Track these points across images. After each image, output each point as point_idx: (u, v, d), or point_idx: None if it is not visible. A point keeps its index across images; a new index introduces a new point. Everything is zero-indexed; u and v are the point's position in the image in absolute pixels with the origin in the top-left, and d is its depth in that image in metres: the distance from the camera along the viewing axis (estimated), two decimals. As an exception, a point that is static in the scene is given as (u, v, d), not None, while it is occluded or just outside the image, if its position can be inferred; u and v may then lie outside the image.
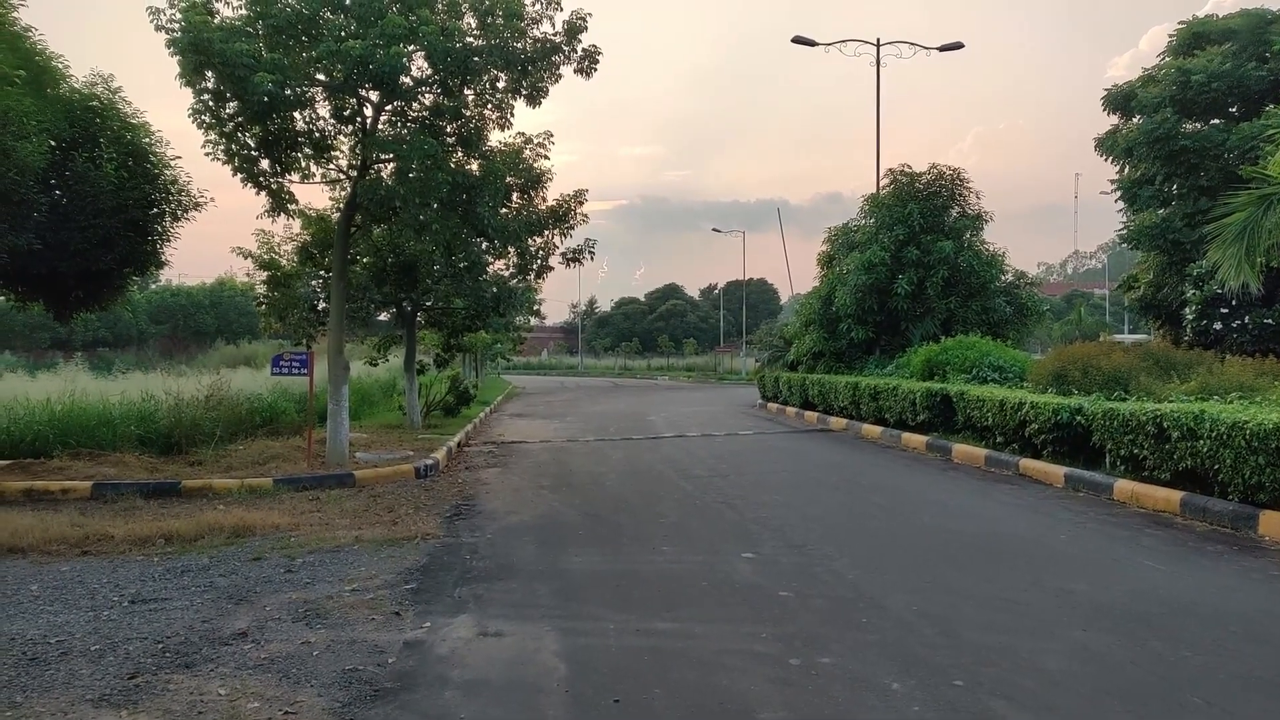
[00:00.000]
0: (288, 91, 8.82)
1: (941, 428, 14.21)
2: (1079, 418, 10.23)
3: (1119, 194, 25.08)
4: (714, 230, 54.00)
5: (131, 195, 10.92)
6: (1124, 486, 9.15)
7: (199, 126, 9.66)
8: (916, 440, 14.38)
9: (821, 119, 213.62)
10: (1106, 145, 25.29)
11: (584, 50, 11.04)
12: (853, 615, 5.51)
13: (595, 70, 11.08)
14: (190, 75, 8.93)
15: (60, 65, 11.29)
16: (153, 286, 58.70)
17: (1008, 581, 6.25)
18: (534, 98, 11.43)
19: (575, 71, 11.06)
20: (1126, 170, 24.94)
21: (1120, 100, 24.85)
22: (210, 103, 9.29)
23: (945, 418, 14.10)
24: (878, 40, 22.10)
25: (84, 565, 7.04)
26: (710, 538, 7.87)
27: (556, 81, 11.08)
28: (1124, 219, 25.37)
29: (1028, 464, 11.01)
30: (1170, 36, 25.10)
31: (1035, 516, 8.63)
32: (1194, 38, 24.21)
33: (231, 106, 9.42)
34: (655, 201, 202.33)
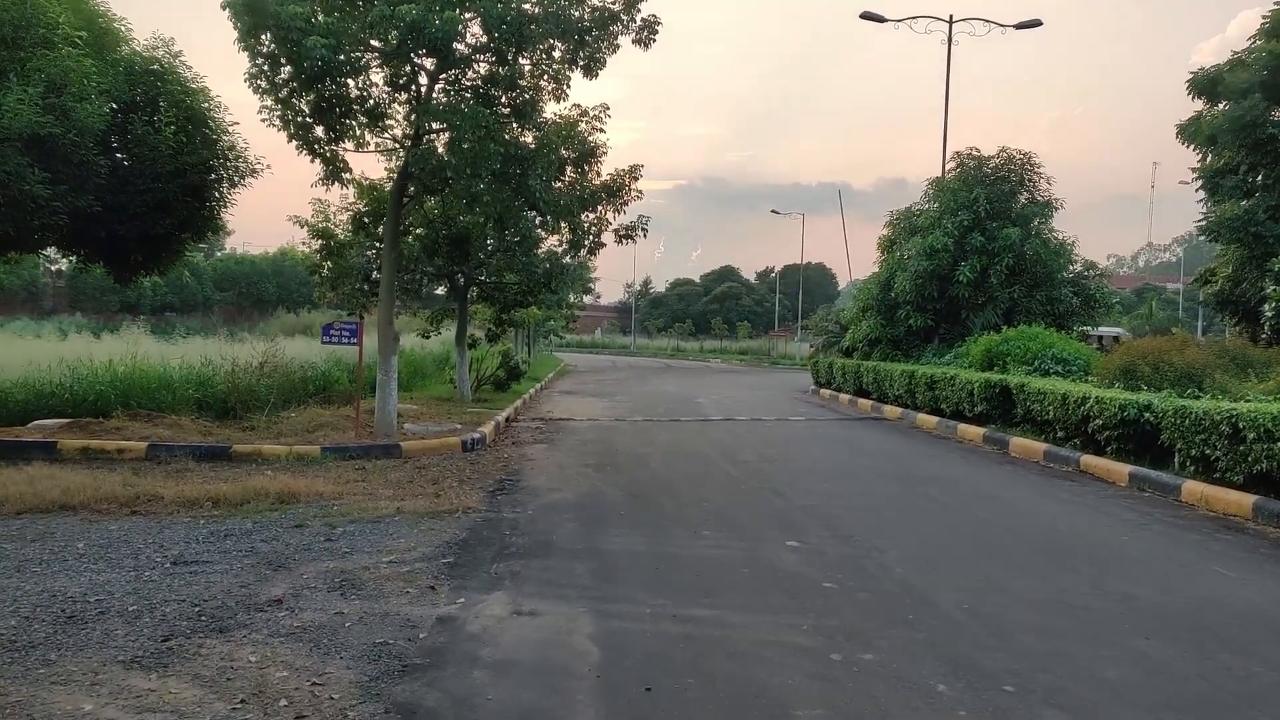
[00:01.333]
0: (341, 57, 8.76)
1: (1000, 420, 13.74)
2: (1147, 415, 9.74)
3: (1199, 184, 23.95)
4: (773, 212, 53.17)
5: (189, 160, 11.03)
6: (1193, 488, 8.68)
7: (255, 91, 9.68)
8: (973, 432, 13.93)
9: (887, 101, 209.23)
10: (1189, 132, 24.11)
11: (643, 20, 10.78)
12: (899, 611, 5.28)
13: (654, 41, 10.83)
14: (246, 38, 8.93)
15: (122, 28, 11.46)
16: (218, 254, 60.24)
17: (1066, 583, 5.94)
18: (591, 69, 11.21)
19: (634, 42, 10.82)
20: (1209, 159, 23.79)
21: (1206, 85, 23.61)
22: (265, 67, 9.29)
23: (1004, 410, 13.63)
24: (950, 16, 21.34)
25: (131, 525, 7.15)
26: (754, 524, 7.68)
27: (614, 52, 10.85)
28: (1204, 210, 24.24)
29: (1089, 460, 10.55)
30: (1264, 19, 23.77)
31: (1097, 516, 8.24)
32: (1290, 20, 22.85)
33: (286, 71, 9.41)
34: (715, 182, 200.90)
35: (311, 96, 9.93)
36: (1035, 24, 21.66)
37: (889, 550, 6.76)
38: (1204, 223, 24.19)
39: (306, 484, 8.50)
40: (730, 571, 6.12)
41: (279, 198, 65.37)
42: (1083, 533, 7.57)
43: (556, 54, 10.90)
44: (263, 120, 10.40)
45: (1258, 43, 23.19)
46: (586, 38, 10.56)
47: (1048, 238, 19.60)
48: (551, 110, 11.91)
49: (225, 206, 12.18)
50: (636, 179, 13.21)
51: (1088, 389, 11.18)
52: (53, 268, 48.36)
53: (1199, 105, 24.16)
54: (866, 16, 21.45)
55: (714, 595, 5.55)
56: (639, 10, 10.74)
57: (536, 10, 9.96)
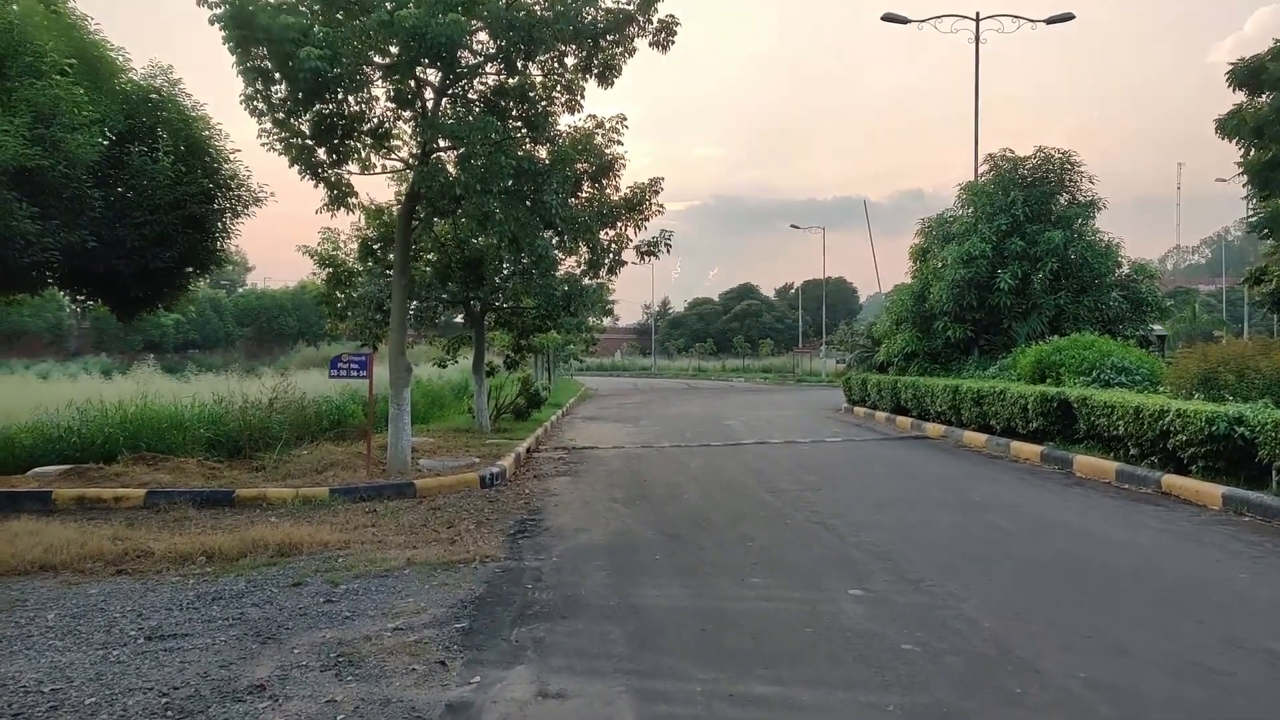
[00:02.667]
0: (337, 70, 8.09)
1: (1058, 436, 12.75)
2: (1240, 429, 8.76)
3: (1246, 178, 22.88)
4: (793, 227, 52.49)
5: (189, 190, 10.44)
6: (1303, 511, 7.69)
7: (251, 114, 9.04)
8: (1029, 450, 12.95)
9: (900, 114, 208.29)
10: (1229, 126, 23.09)
11: (660, 21, 10.07)
12: (1001, 681, 4.39)
13: (673, 43, 10.11)
14: (238, 53, 8.30)
15: (119, 57, 10.92)
16: (240, 290, 60.37)
17: (1193, 638, 5.01)
18: (606, 77, 10.53)
19: (651, 44, 10.11)
20: (1253, 152, 22.74)
21: (1248, 75, 22.60)
22: (259, 85, 8.65)
23: (1063, 426, 12.64)
24: (977, 14, 20.51)
25: (114, 588, 6.41)
26: (807, 567, 6.80)
27: (631, 56, 10.15)
28: (1252, 205, 23.17)
29: (1172, 481, 9.56)
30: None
31: (1200, 548, 7.27)
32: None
33: (282, 89, 8.77)
34: (729, 201, 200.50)
35: (310, 116, 9.29)
36: (1068, 17, 20.79)
37: (968, 598, 5.86)
38: (1254, 218, 23.12)
39: (310, 532, 7.73)
40: (789, 631, 5.25)
41: (300, 232, 65.53)
42: (1191, 571, 6.61)
43: (569, 60, 10.22)
44: (262, 144, 9.77)
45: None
46: (601, 41, 9.87)
47: (1092, 240, 18.63)
48: (566, 123, 11.24)
49: (229, 237, 11.59)
50: (658, 192, 12.50)
51: (1164, 401, 10.20)
52: (75, 309, 48.54)
53: (1230, 101, 23.12)
54: (889, 18, 20.71)
55: (775, 665, 4.69)
56: (655, 10, 10.03)
57: (546, 12, 9.26)
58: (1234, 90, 23.44)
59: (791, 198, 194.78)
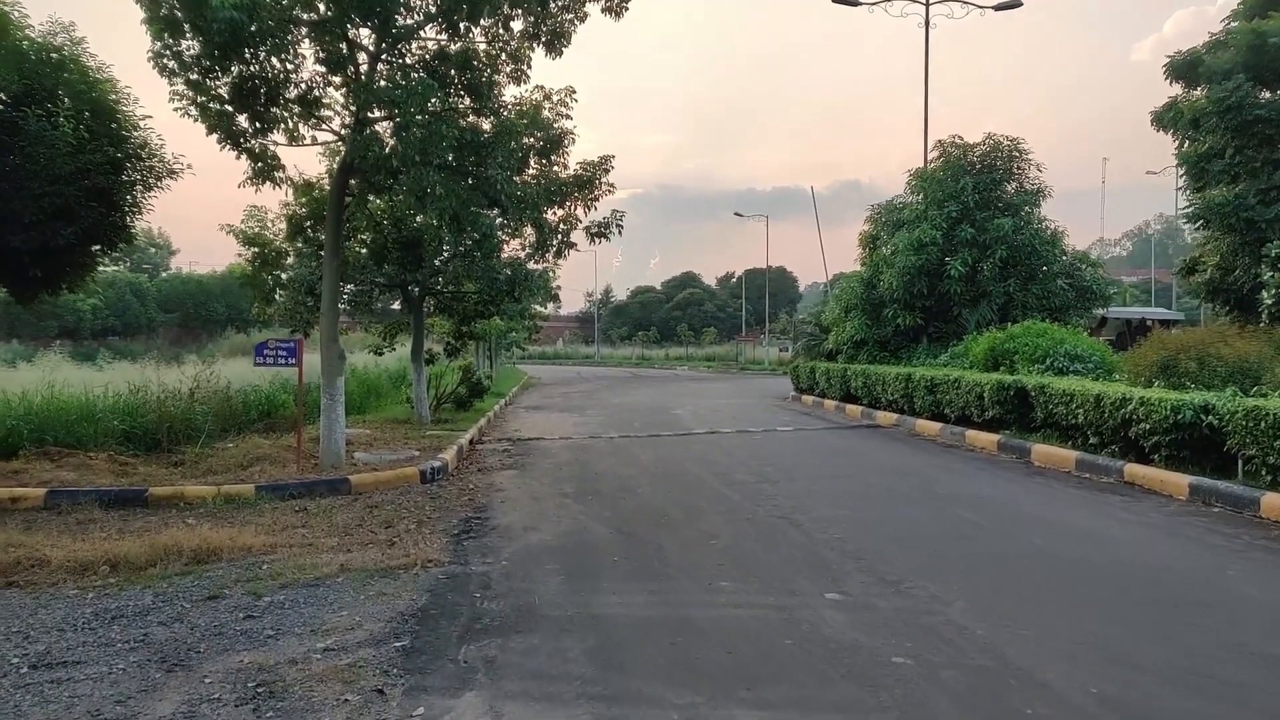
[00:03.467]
0: (257, 25, 7.27)
1: (1015, 425, 12.59)
2: (1208, 417, 8.60)
3: (1183, 170, 23.28)
4: (736, 215, 52.26)
5: (93, 159, 9.45)
6: (1274, 501, 7.53)
7: (161, 73, 8.15)
8: (985, 439, 12.77)
9: (840, 106, 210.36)
10: (1166, 119, 23.46)
11: (614, -15, 9.46)
12: (1007, 699, 3.97)
13: (626, 8, 9.51)
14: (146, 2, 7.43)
15: (15, 13, 9.84)
16: (163, 275, 57.74)
17: (1194, 642, 4.68)
18: (554, 45, 9.90)
19: (604, 10, 9.50)
20: (1187, 145, 23.15)
21: (1185, 68, 22.98)
22: (169, 39, 7.77)
23: (1020, 414, 12.48)
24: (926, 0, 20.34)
25: (1, 604, 5.61)
26: (777, 567, 6.35)
27: (582, 21, 9.52)
28: (1187, 197, 23.58)
29: (1136, 470, 9.39)
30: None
31: (1179, 542, 7.03)
32: (1268, -1, 22.34)
33: (194, 45, 7.90)
34: (672, 190, 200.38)
35: (230, 78, 8.43)
36: (1016, 4, 20.77)
37: (953, 601, 5.47)
38: (1189, 209, 23.55)
39: (232, 535, 6.99)
40: (768, 644, 4.77)
41: (231, 214, 62.93)
42: (1174, 566, 6.35)
43: (516, 25, 9.54)
44: (175, 109, 8.88)
45: (1234, 24, 22.60)
46: (550, 3, 9.21)
47: (1039, 228, 18.66)
48: (512, 94, 10.57)
49: (140, 213, 10.58)
50: (608, 171, 11.89)
51: (1125, 389, 10.04)
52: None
53: (1157, 95, 23.56)
54: (838, 0, 20.39)
55: (757, 684, 4.20)
56: (610, -28, 9.42)
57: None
58: (1171, 83, 23.83)
59: (733, 187, 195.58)
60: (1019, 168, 18.91)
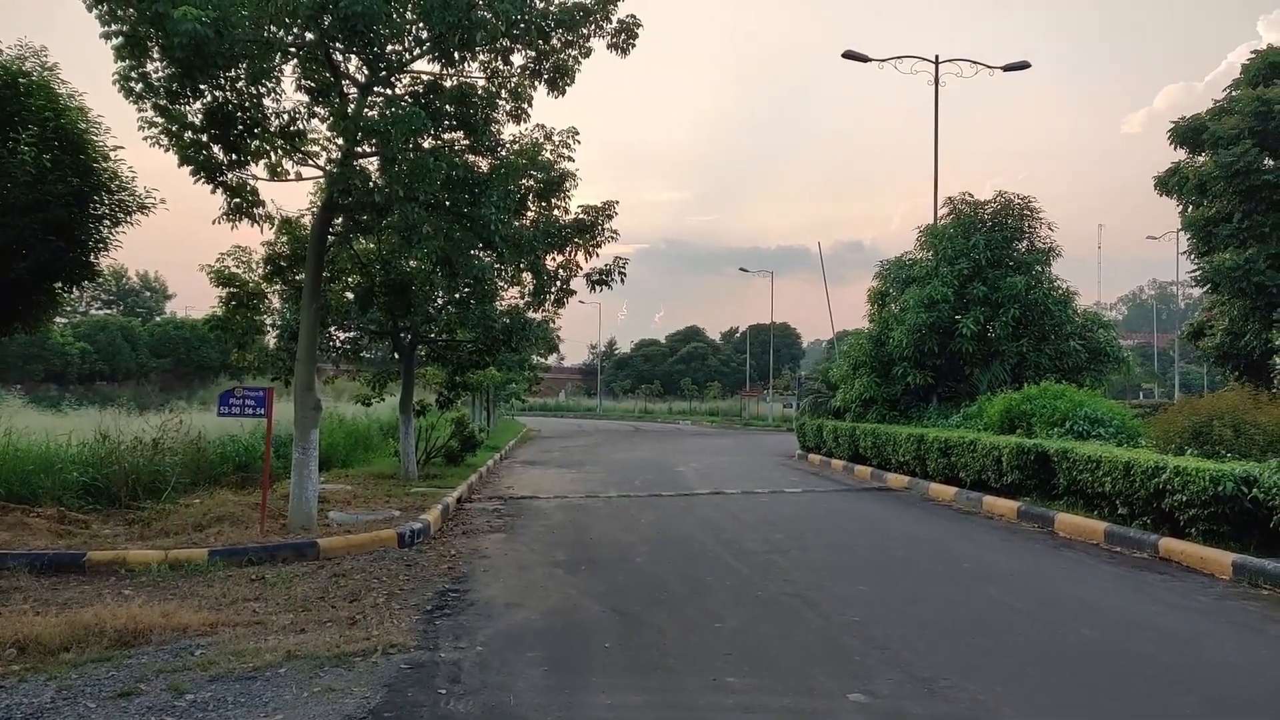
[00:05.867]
0: (226, 45, 6.67)
1: (1035, 491, 11.78)
2: (1253, 490, 7.81)
3: (1189, 234, 22.89)
4: (741, 270, 52.47)
5: (54, 189, 8.82)
6: (1344, 588, 6.71)
7: (127, 95, 7.54)
8: (1004, 506, 11.94)
9: (840, 168, 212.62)
10: (1169, 183, 23.25)
11: (620, 21, 8.97)
12: None
13: (633, 45, 9.00)
14: (98, 9, 6.84)
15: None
16: (156, 319, 57.19)
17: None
18: (557, 82, 9.35)
19: (609, 47, 8.99)
20: (1193, 209, 22.82)
21: (1189, 134, 22.77)
22: (133, 56, 7.16)
23: (1040, 480, 11.68)
24: (936, 57, 20.10)
25: (-122, 694, 4.77)
26: (792, 658, 5.52)
27: (586, 57, 8.98)
28: (1193, 261, 23.15)
29: (1171, 545, 8.56)
30: (1244, 64, 23.08)
31: (1240, 632, 6.19)
32: (1270, 68, 22.30)
33: (160, 67, 7.31)
34: (678, 245, 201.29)
35: (200, 103, 7.84)
36: (1024, 66, 20.54)
37: (999, 708, 4.64)
38: (1196, 272, 23.08)
39: (166, 612, 6.14)
40: (788, 767, 3.93)
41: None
42: (1243, 665, 5.50)
43: (516, 60, 9.00)
44: (145, 138, 8.26)
45: (1237, 92, 22.40)
46: (553, 39, 8.68)
47: (1050, 287, 18.08)
48: (511, 132, 10.01)
49: (106, 249, 9.92)
50: (611, 216, 11.33)
51: (1157, 457, 9.26)
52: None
53: (1149, 164, 23.32)
54: (850, 56, 20.15)
55: (777, 830, 3.36)
56: (615, 8, 8.92)
57: (489, -2, 8.01)
58: (1175, 148, 23.60)
59: (738, 244, 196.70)
60: (1030, 226, 18.41)
